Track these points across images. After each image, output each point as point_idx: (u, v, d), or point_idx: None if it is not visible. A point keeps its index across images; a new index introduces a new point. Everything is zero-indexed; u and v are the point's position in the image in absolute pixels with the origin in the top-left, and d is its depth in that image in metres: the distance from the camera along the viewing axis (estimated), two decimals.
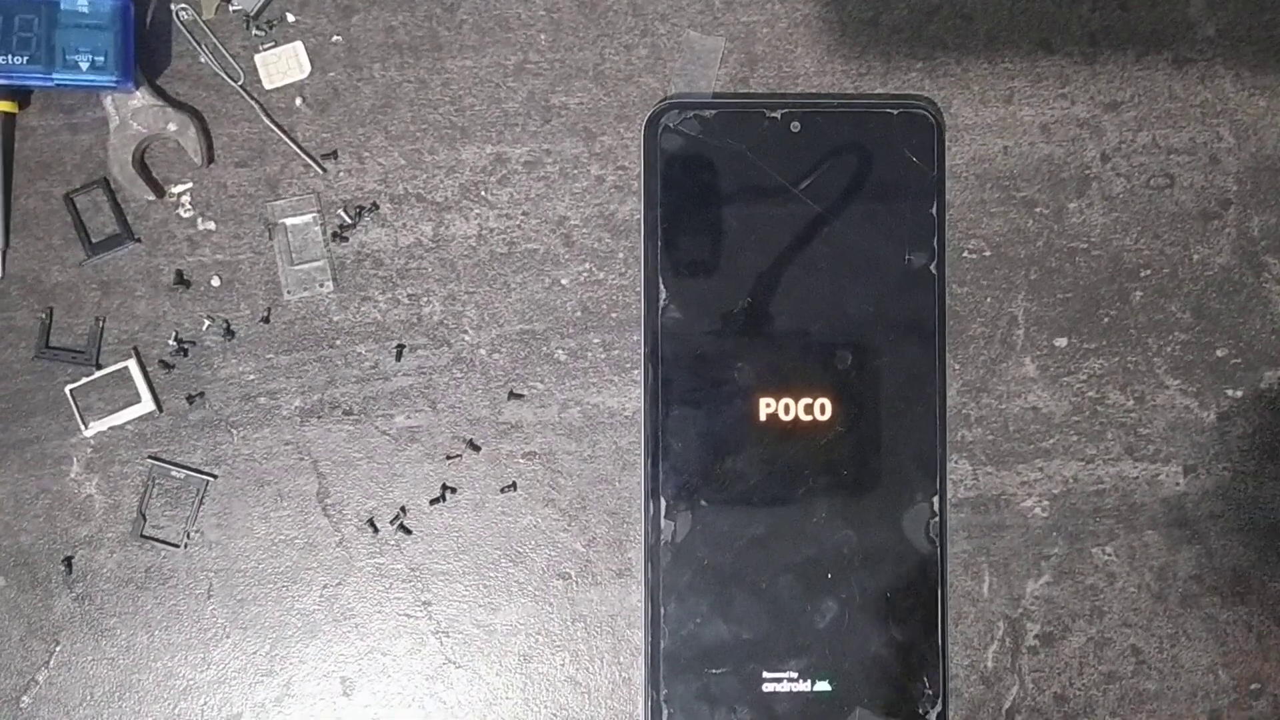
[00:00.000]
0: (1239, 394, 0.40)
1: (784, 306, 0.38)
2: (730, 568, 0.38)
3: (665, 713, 0.38)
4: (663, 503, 0.38)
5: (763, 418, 0.38)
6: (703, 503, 0.38)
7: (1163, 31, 0.40)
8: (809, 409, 0.38)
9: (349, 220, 0.39)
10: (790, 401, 0.38)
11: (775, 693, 0.38)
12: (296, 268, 0.39)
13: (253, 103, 0.39)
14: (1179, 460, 0.40)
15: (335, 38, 0.40)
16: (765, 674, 0.38)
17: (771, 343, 0.39)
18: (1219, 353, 0.40)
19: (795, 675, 0.38)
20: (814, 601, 0.38)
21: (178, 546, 0.39)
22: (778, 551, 0.38)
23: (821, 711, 0.38)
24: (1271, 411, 0.40)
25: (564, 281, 0.40)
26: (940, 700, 0.38)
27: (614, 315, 0.40)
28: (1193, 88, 0.40)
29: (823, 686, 0.38)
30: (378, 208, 0.40)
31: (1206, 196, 0.40)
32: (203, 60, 0.39)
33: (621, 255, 0.40)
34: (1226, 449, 0.40)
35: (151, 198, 0.39)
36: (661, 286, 0.39)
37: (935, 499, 0.38)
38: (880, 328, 0.38)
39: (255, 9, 0.39)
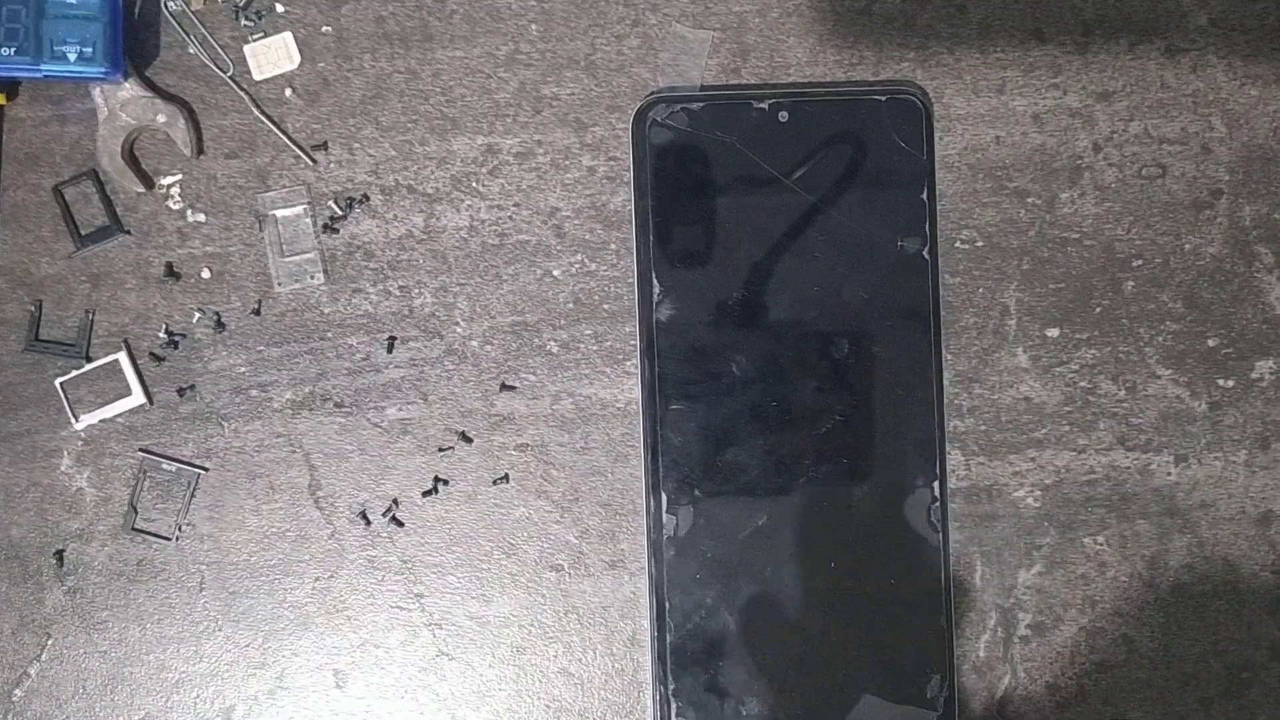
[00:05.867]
0: (1230, 384, 0.40)
1: (779, 296, 0.38)
2: (733, 560, 0.38)
3: (674, 706, 0.38)
4: (664, 498, 0.38)
5: (761, 408, 0.38)
6: (704, 496, 0.38)
7: (1155, 21, 0.40)
8: (806, 398, 0.38)
9: (340, 212, 0.39)
10: (787, 391, 0.38)
11: (783, 683, 0.38)
12: (287, 260, 0.39)
13: (242, 94, 0.39)
14: (1170, 450, 0.40)
15: (325, 28, 0.39)
16: (772, 664, 0.38)
17: (767, 333, 0.38)
18: (1210, 342, 0.40)
19: (802, 665, 0.38)
20: (818, 590, 0.38)
21: (169, 539, 0.39)
22: (780, 542, 0.38)
23: (830, 699, 0.38)
24: (1263, 401, 0.40)
25: (556, 273, 0.40)
26: (948, 684, 0.38)
27: (606, 307, 0.40)
28: (1185, 77, 0.40)
29: (831, 675, 0.38)
30: (368, 199, 0.39)
31: (1198, 186, 0.40)
32: (192, 51, 0.39)
33: (613, 246, 0.40)
34: (1218, 439, 0.40)
35: (141, 189, 0.39)
36: (655, 282, 0.38)
37: (936, 484, 0.38)
38: (875, 314, 0.38)
39: None
